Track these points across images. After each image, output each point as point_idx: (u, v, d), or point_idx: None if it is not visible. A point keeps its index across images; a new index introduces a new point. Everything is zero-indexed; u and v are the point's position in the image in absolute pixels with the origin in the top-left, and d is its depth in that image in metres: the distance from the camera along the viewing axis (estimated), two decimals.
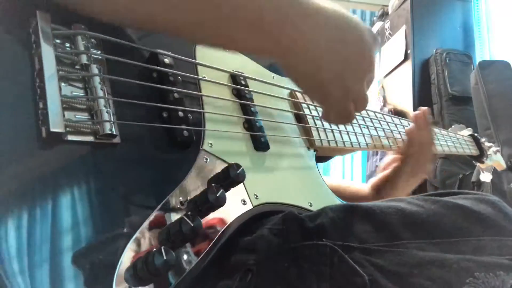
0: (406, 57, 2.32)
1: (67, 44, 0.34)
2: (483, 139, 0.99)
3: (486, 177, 1.00)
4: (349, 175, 3.08)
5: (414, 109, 2.18)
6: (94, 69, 0.34)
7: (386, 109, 2.44)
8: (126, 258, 0.30)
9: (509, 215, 0.37)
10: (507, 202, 0.40)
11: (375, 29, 2.87)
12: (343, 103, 0.42)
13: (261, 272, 0.35)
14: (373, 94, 2.82)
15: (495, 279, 0.30)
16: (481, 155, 0.97)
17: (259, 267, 0.36)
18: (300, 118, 0.56)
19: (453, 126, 0.99)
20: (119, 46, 0.37)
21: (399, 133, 0.75)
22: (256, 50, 0.39)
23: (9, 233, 0.26)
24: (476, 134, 0.99)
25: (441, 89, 2.13)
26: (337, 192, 0.78)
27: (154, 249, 0.30)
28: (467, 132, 0.99)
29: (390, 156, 0.79)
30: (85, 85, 0.34)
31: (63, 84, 0.32)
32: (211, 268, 0.37)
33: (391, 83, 2.54)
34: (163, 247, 0.30)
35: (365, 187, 0.78)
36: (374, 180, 0.77)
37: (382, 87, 2.64)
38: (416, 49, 2.26)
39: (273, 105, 0.52)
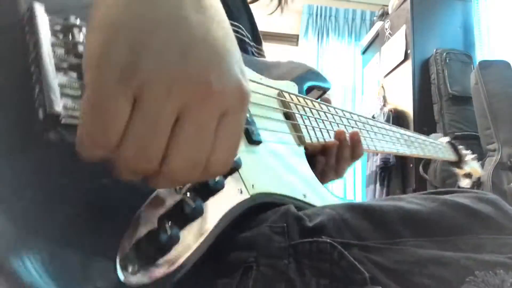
0: (406, 57, 2.32)
1: (61, 35, 0.34)
2: (460, 146, 1.06)
3: (465, 183, 1.08)
4: (351, 174, 3.08)
5: (414, 109, 2.19)
6: None
7: (386, 109, 2.44)
8: (126, 242, 0.30)
9: (508, 214, 0.36)
10: (507, 202, 0.39)
11: (375, 29, 2.87)
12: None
13: (261, 269, 0.35)
14: (373, 94, 2.82)
15: (494, 278, 0.30)
16: (460, 161, 1.04)
17: (259, 264, 0.36)
18: (289, 117, 0.56)
19: (431, 135, 1.06)
20: None
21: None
22: None
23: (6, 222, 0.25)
24: (453, 142, 1.06)
25: (441, 89, 2.13)
26: None
27: (157, 227, 0.30)
28: (445, 139, 1.07)
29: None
30: (80, 73, 0.34)
31: (59, 72, 0.32)
32: (210, 266, 0.37)
33: (391, 83, 2.54)
34: (166, 223, 0.30)
35: None
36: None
37: (382, 87, 2.65)
38: (416, 49, 2.26)
39: (262, 104, 0.52)
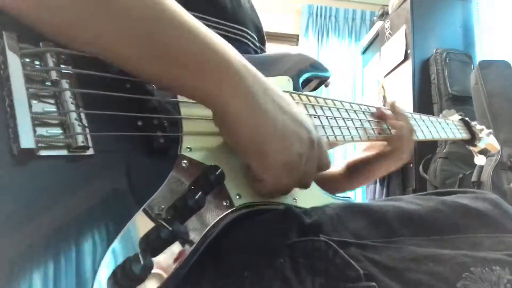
0: (406, 57, 2.32)
1: (36, 62, 0.35)
2: (474, 122, 0.99)
3: (480, 160, 1.00)
4: None
5: (414, 109, 2.18)
6: (64, 84, 0.35)
7: None
8: (105, 268, 0.30)
9: (507, 212, 0.37)
10: (507, 202, 0.40)
11: (375, 29, 2.87)
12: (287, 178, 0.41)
13: (258, 269, 0.35)
14: (373, 94, 2.82)
15: (491, 274, 0.30)
16: (473, 139, 0.96)
17: (256, 264, 0.36)
18: None
19: (443, 112, 1.00)
20: (90, 60, 0.37)
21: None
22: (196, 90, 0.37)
23: None
24: (466, 118, 0.98)
25: (441, 89, 2.13)
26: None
27: (131, 256, 0.30)
28: (457, 116, 0.99)
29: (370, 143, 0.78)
30: (56, 100, 0.34)
31: (34, 101, 0.32)
32: (208, 266, 0.37)
33: (391, 83, 2.54)
34: (139, 252, 0.30)
35: (337, 167, 0.77)
36: (350, 160, 0.77)
37: (382, 87, 2.65)
38: (416, 49, 2.26)
39: None
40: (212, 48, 0.35)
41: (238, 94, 0.37)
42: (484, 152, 1.01)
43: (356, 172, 0.74)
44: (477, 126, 0.99)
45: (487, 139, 0.99)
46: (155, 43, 0.33)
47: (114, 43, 0.33)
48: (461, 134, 0.93)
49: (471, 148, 0.99)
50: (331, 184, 0.75)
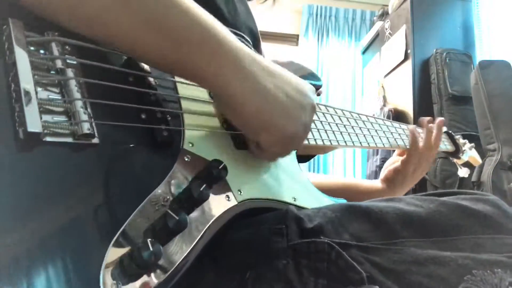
0: (406, 57, 2.32)
1: (42, 51, 0.35)
2: (457, 136, 1.04)
3: (463, 172, 1.04)
4: (351, 175, 3.08)
5: (414, 109, 2.18)
6: (70, 73, 0.35)
7: (386, 109, 2.44)
8: (111, 257, 0.30)
9: (507, 213, 0.37)
10: (507, 202, 0.40)
11: (375, 29, 2.87)
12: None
13: (260, 270, 0.35)
14: (373, 94, 2.82)
15: (492, 277, 0.30)
16: (457, 151, 1.01)
17: (258, 265, 0.36)
18: None
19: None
20: (95, 52, 0.37)
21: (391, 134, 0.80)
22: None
23: None
24: (450, 131, 1.03)
25: (441, 89, 2.13)
26: (347, 190, 0.81)
27: (140, 243, 0.30)
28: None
29: (394, 158, 0.86)
30: (61, 89, 0.34)
31: (39, 88, 0.33)
32: (209, 267, 0.37)
33: (391, 83, 2.54)
34: (148, 239, 0.30)
35: (377, 183, 0.83)
36: (383, 175, 0.83)
37: (382, 87, 2.65)
38: (416, 49, 2.26)
39: None
40: (213, 32, 0.37)
41: (238, 75, 0.38)
42: (468, 165, 1.06)
43: (395, 184, 0.81)
44: (460, 139, 1.04)
45: (470, 152, 1.04)
46: (159, 25, 0.34)
47: (121, 27, 0.34)
48: (445, 146, 0.98)
49: (455, 160, 1.04)
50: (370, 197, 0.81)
